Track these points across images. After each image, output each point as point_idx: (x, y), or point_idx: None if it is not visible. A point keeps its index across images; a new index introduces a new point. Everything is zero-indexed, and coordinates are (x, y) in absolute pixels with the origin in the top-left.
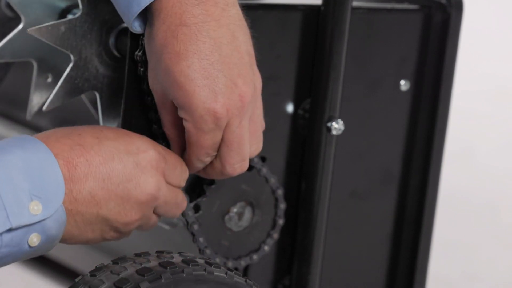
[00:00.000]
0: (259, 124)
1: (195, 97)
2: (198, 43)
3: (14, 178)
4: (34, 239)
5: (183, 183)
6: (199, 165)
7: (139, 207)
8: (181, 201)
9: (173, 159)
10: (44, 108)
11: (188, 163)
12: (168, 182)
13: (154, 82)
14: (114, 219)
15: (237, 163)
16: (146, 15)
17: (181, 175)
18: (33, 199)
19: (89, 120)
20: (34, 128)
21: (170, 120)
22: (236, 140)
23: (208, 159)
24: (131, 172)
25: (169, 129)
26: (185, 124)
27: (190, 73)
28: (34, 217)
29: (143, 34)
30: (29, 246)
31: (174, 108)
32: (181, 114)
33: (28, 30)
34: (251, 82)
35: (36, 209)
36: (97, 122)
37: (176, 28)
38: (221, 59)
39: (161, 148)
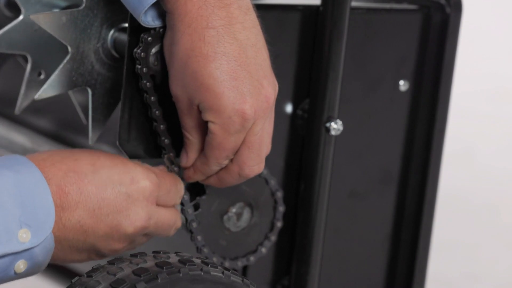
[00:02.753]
0: (272, 127)
1: (224, 98)
2: (225, 45)
3: (5, 204)
4: (21, 266)
5: (178, 201)
6: (216, 168)
7: (127, 237)
8: (174, 222)
9: (167, 182)
10: (36, 96)
11: (203, 167)
12: (161, 205)
13: (177, 88)
14: (101, 246)
15: (255, 165)
16: (158, 11)
17: (176, 195)
18: (22, 227)
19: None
20: (32, 127)
21: (194, 125)
22: (258, 141)
23: (226, 162)
24: (122, 204)
25: (192, 135)
26: (211, 126)
27: (219, 75)
28: (22, 245)
29: (144, 32)
30: (15, 273)
31: (199, 113)
32: (207, 117)
33: (31, 16)
34: (273, 84)
35: (24, 237)
36: (83, 124)
37: (203, 31)
38: (247, 60)
39: (154, 175)
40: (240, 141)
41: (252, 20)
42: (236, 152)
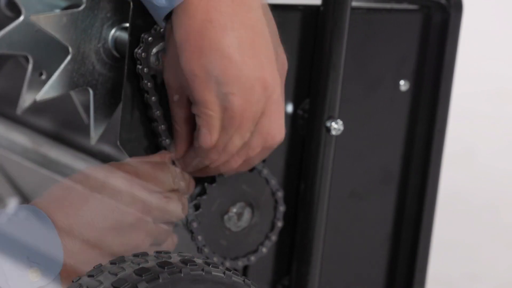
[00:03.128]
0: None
1: (245, 67)
2: (242, 14)
3: (14, 246)
4: None
5: (176, 185)
6: (239, 143)
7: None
8: (174, 209)
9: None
10: (37, 97)
11: (227, 145)
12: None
13: (170, 76)
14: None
15: (278, 133)
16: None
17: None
18: (32, 266)
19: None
20: (32, 127)
21: (183, 116)
22: (278, 109)
23: (248, 135)
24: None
25: (180, 126)
26: (232, 98)
27: (239, 45)
28: (33, 284)
29: (144, 32)
30: None
31: (189, 104)
32: (228, 88)
33: (31, 17)
34: (284, 51)
35: (35, 276)
36: (85, 124)
37: (218, 1)
38: (263, 29)
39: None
40: (260, 110)
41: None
42: (257, 123)
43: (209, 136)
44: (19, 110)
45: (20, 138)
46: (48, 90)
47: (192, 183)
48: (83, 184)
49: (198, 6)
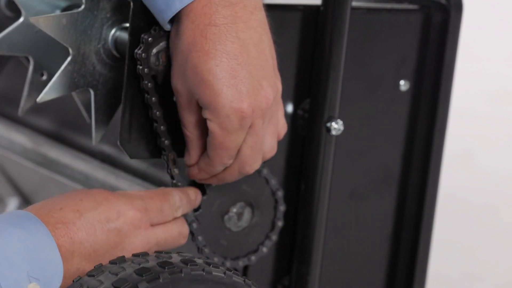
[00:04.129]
0: (280, 125)
1: (222, 96)
2: (227, 43)
3: (13, 260)
4: None
5: (177, 213)
6: (220, 168)
7: None
8: (178, 233)
9: (157, 201)
10: (38, 99)
11: (208, 168)
12: (158, 224)
13: (178, 82)
14: None
15: (256, 163)
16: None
17: (170, 209)
18: (31, 281)
19: (85, 121)
20: (32, 127)
21: (193, 121)
22: (259, 141)
23: (230, 162)
24: (115, 240)
25: (191, 131)
26: (210, 124)
27: (218, 72)
28: None
29: (144, 33)
30: None
31: (199, 109)
32: (206, 114)
33: (30, 18)
34: (274, 85)
35: None
36: (86, 123)
37: (205, 27)
38: (248, 60)
39: (139, 200)
40: (241, 140)
41: (258, 20)
42: (238, 151)
43: (188, 155)
44: (20, 111)
45: (20, 138)
46: (49, 92)
47: (199, 196)
48: (90, 210)
49: (187, 27)
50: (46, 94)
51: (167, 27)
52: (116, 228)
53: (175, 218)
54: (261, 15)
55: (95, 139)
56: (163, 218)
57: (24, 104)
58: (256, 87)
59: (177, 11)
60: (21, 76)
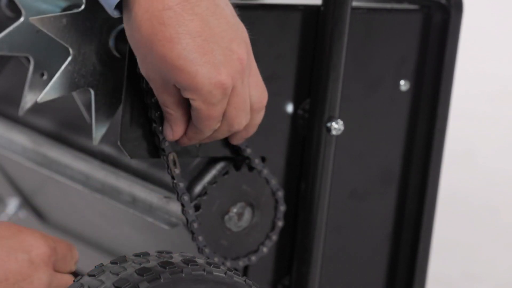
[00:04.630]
0: (258, 72)
1: (199, 76)
2: (186, 23)
3: None
4: None
5: (74, 267)
6: (209, 133)
7: None
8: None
9: (63, 248)
10: (38, 99)
11: (197, 135)
12: (58, 271)
13: (149, 72)
14: None
15: (243, 120)
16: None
17: (71, 261)
18: None
19: (85, 121)
20: (32, 127)
21: (175, 101)
22: (242, 100)
23: (218, 125)
24: (26, 271)
25: (175, 110)
26: (194, 103)
27: (188, 55)
28: None
29: None
30: None
31: (177, 90)
32: (187, 95)
33: (31, 18)
34: (242, 42)
35: None
36: (87, 123)
37: (161, 13)
38: (212, 31)
39: (51, 240)
40: (225, 106)
41: None
42: (224, 113)
43: (170, 131)
44: (21, 111)
45: (20, 138)
46: (49, 92)
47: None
48: (5, 238)
49: (143, 18)
50: (47, 94)
51: (114, 14)
52: (30, 260)
53: (69, 272)
54: None
55: (95, 139)
56: (64, 266)
57: (24, 104)
58: (228, 54)
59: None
60: (21, 76)
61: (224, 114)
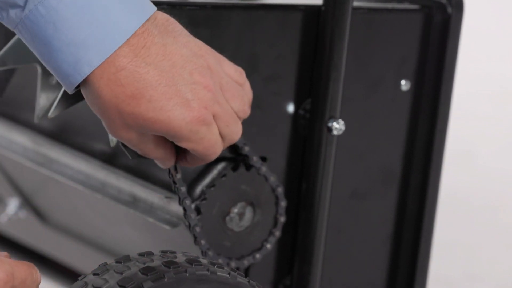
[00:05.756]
0: (231, 82)
1: (173, 121)
2: (143, 76)
3: None
4: None
5: None
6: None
7: None
8: None
9: (22, 272)
10: (49, 115)
11: (199, 161)
12: None
13: (122, 132)
14: None
15: (239, 128)
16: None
17: (33, 284)
18: None
19: (85, 121)
20: (31, 127)
21: (154, 146)
22: (228, 117)
23: (222, 146)
24: None
25: (160, 154)
26: (185, 145)
27: (155, 105)
28: None
29: None
30: None
31: (154, 137)
32: (175, 141)
33: None
34: (203, 67)
35: None
36: (84, 124)
37: (116, 75)
38: (169, 74)
39: (8, 265)
40: (216, 132)
41: (150, 32)
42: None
43: (164, 164)
44: (36, 119)
45: (20, 138)
46: (58, 106)
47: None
48: None
49: (100, 85)
50: (56, 109)
51: (72, 90)
52: None
53: None
54: (149, 24)
55: (112, 141)
56: None
57: (38, 111)
58: (193, 87)
59: (86, 76)
60: (20, 75)
61: (220, 135)
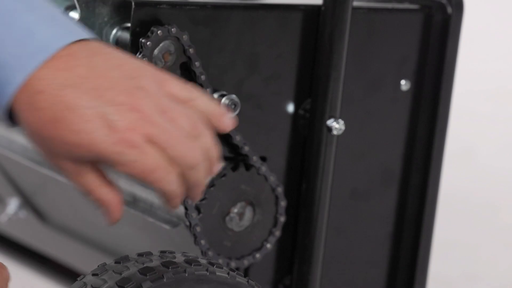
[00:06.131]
0: (173, 102)
1: (97, 144)
2: (61, 98)
3: None
4: None
5: None
6: (176, 188)
7: None
8: None
9: None
10: None
11: (172, 195)
12: None
13: (58, 160)
14: None
15: (189, 149)
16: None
17: (1, 283)
18: None
19: None
20: None
21: (95, 180)
22: (167, 137)
23: (172, 174)
24: None
25: (101, 191)
26: (121, 170)
27: (75, 128)
28: None
29: (142, 37)
30: None
31: (92, 168)
32: (107, 165)
33: None
34: (135, 89)
35: None
36: None
37: (32, 100)
38: (90, 96)
39: None
40: (152, 153)
41: (75, 55)
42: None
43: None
44: None
45: (20, 138)
46: None
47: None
48: None
49: (22, 114)
50: None
51: (5, 113)
52: None
53: None
54: (77, 47)
55: None
56: None
57: None
58: (118, 108)
59: (9, 97)
60: None
61: (168, 158)
